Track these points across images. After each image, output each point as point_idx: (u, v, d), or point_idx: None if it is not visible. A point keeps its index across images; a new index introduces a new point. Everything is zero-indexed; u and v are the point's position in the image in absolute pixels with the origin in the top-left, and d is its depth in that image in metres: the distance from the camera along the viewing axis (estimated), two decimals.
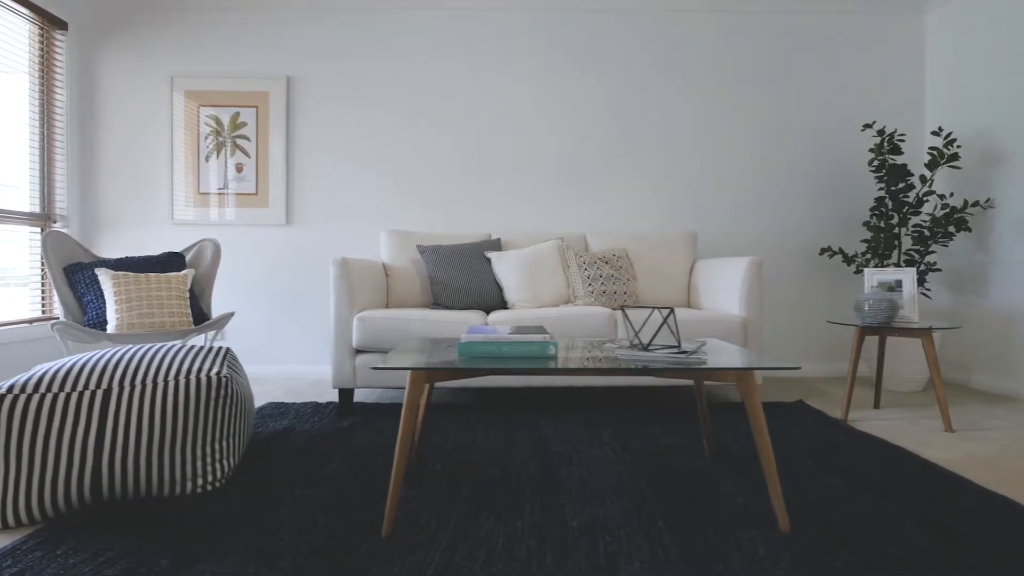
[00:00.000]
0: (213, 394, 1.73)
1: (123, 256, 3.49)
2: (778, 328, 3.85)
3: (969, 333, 3.50)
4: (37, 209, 3.46)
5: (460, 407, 2.85)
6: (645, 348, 1.62)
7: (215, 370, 1.78)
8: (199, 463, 1.70)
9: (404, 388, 3.22)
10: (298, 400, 3.03)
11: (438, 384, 2.92)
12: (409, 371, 1.50)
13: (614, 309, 3.01)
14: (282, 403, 2.89)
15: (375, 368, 1.38)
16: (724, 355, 1.67)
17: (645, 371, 1.52)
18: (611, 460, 2.05)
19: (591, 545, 1.41)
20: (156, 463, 1.63)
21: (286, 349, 3.80)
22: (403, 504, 1.66)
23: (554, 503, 1.66)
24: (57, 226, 3.57)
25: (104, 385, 1.64)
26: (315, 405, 2.86)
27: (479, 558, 1.34)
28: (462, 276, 3.10)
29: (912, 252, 3.39)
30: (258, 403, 2.98)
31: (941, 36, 3.71)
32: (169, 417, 1.65)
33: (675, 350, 1.60)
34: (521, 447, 2.21)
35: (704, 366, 1.50)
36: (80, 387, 1.61)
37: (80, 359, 1.73)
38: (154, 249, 3.77)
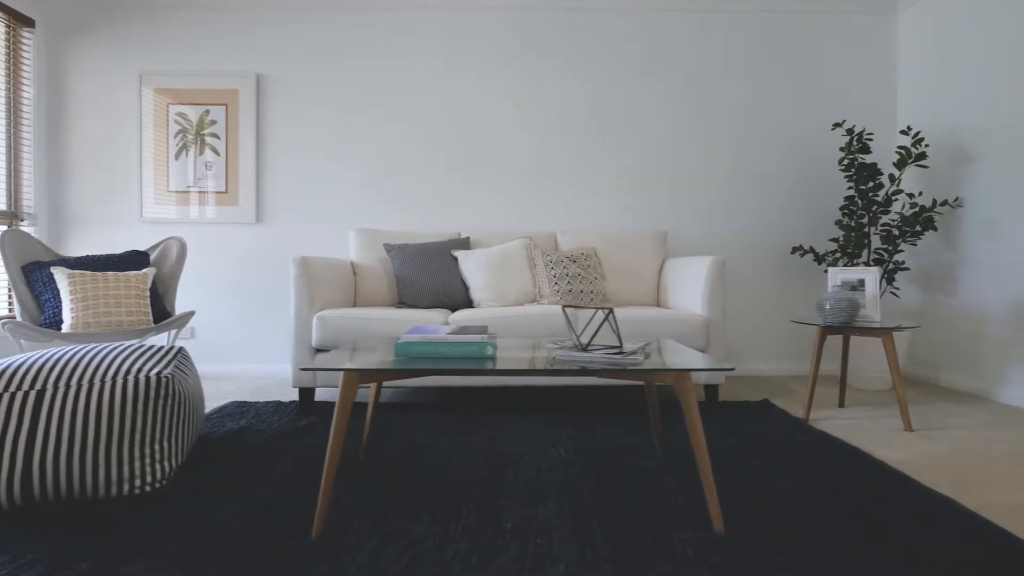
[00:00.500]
0: (152, 394, 1.71)
1: (91, 254, 3.46)
2: (750, 327, 3.85)
3: (938, 332, 3.50)
4: (4, 207, 3.43)
5: (423, 406, 2.84)
6: (583, 348, 1.61)
7: (156, 370, 1.76)
8: (138, 464, 1.69)
9: (362, 388, 3.21)
10: (262, 399, 3.01)
11: (397, 384, 2.90)
12: (342, 373, 1.48)
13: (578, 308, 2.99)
14: (244, 402, 2.87)
15: (303, 369, 1.37)
16: (667, 355, 1.66)
17: (583, 372, 1.51)
18: (562, 460, 2.04)
19: (521, 547, 1.39)
20: (91, 464, 1.62)
21: (256, 348, 3.77)
22: (341, 505, 1.65)
23: (494, 504, 1.65)
24: (24, 224, 3.54)
25: (38, 386, 1.62)
26: (277, 404, 2.84)
27: (404, 560, 1.33)
28: (428, 275, 3.08)
29: (881, 251, 3.38)
30: (221, 402, 2.96)
31: (913, 36, 3.71)
32: (104, 418, 1.63)
33: (614, 351, 1.59)
34: (476, 447, 2.19)
35: (639, 367, 1.49)
36: (13, 388, 1.60)
37: (18, 359, 1.71)
38: (124, 247, 3.75)
